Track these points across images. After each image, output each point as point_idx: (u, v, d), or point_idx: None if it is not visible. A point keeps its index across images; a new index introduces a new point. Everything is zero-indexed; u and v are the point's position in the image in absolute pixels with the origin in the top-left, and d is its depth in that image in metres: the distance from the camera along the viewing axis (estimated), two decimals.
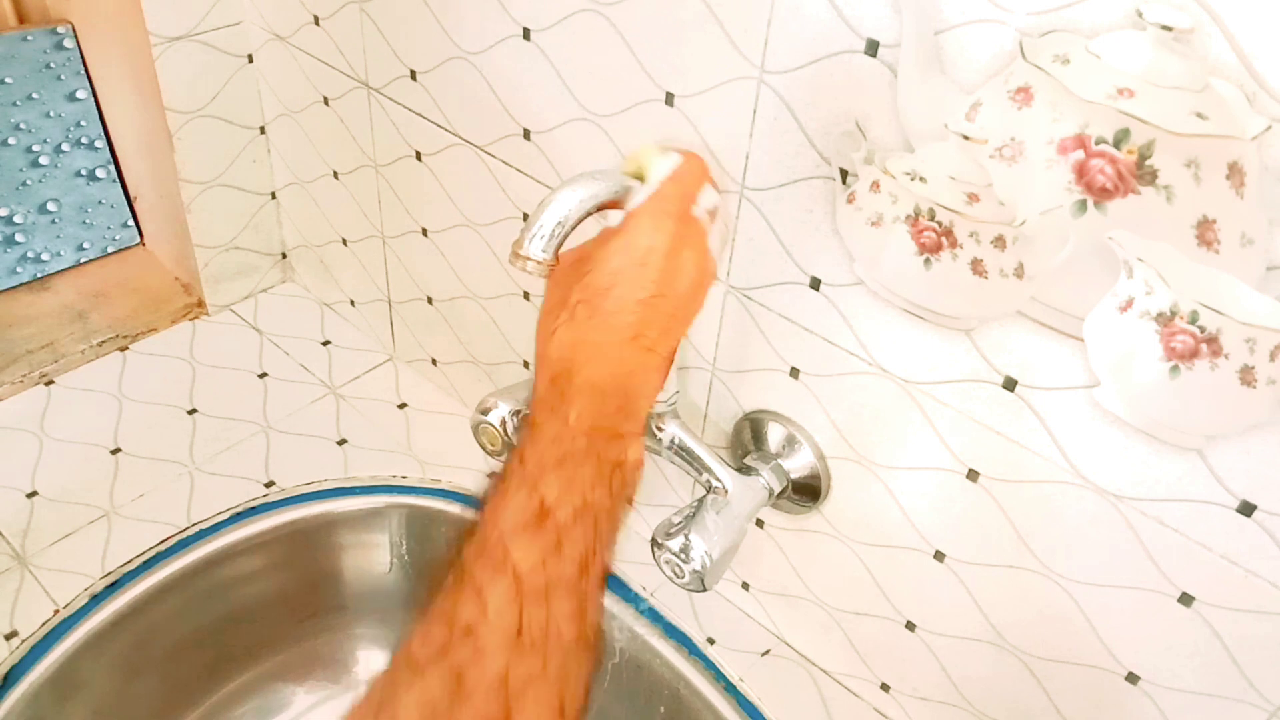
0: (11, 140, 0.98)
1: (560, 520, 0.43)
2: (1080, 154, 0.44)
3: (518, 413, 0.66)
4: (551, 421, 0.47)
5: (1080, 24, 0.43)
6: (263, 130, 0.99)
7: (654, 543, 0.63)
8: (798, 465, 0.67)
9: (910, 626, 0.67)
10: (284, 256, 1.08)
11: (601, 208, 0.52)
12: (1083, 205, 0.45)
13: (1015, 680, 0.63)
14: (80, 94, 1.01)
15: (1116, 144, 0.43)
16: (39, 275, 1.03)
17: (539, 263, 0.50)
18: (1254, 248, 0.42)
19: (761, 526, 0.73)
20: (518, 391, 0.67)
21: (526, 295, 0.81)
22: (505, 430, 0.65)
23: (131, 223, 1.08)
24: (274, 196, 1.04)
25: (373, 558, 0.88)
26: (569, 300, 0.49)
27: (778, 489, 0.67)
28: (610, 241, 0.50)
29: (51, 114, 1.00)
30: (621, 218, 0.51)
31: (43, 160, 1.01)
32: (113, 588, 0.77)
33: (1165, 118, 0.41)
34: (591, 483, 0.45)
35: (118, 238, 1.08)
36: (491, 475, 0.46)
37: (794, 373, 0.64)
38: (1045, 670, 0.61)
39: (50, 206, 1.02)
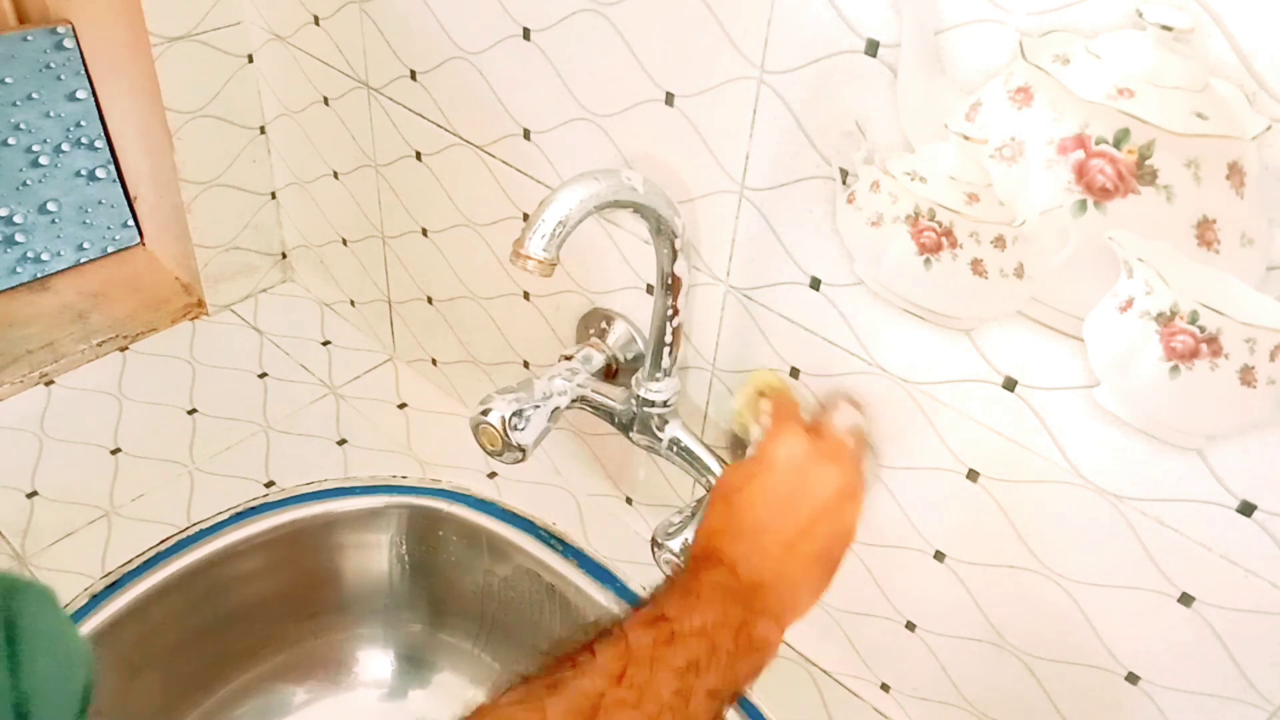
0: (11, 140, 0.98)
1: (677, 627, 0.47)
2: (1080, 154, 0.44)
3: (518, 413, 0.66)
4: (686, 574, 0.52)
5: (1080, 24, 0.43)
6: (263, 130, 0.99)
7: (654, 543, 0.63)
8: None
9: (910, 626, 0.67)
10: (284, 256, 1.08)
11: (604, 207, 0.52)
12: (1083, 205, 0.45)
13: (1015, 680, 0.63)
14: (80, 94, 1.01)
15: (1116, 144, 0.43)
16: (39, 275, 1.03)
17: (540, 261, 0.50)
18: (1254, 248, 0.42)
19: None
20: (518, 391, 0.67)
21: (526, 295, 0.81)
22: (505, 430, 0.65)
23: (131, 223, 1.08)
24: (274, 196, 1.04)
25: (373, 558, 0.88)
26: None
27: None
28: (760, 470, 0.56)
29: (51, 114, 1.00)
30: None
31: (43, 160, 1.01)
32: (113, 588, 0.77)
33: (1165, 118, 0.41)
34: (715, 622, 0.48)
35: (118, 238, 1.08)
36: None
37: (794, 373, 0.64)
38: (1045, 670, 0.61)
39: (50, 206, 1.02)
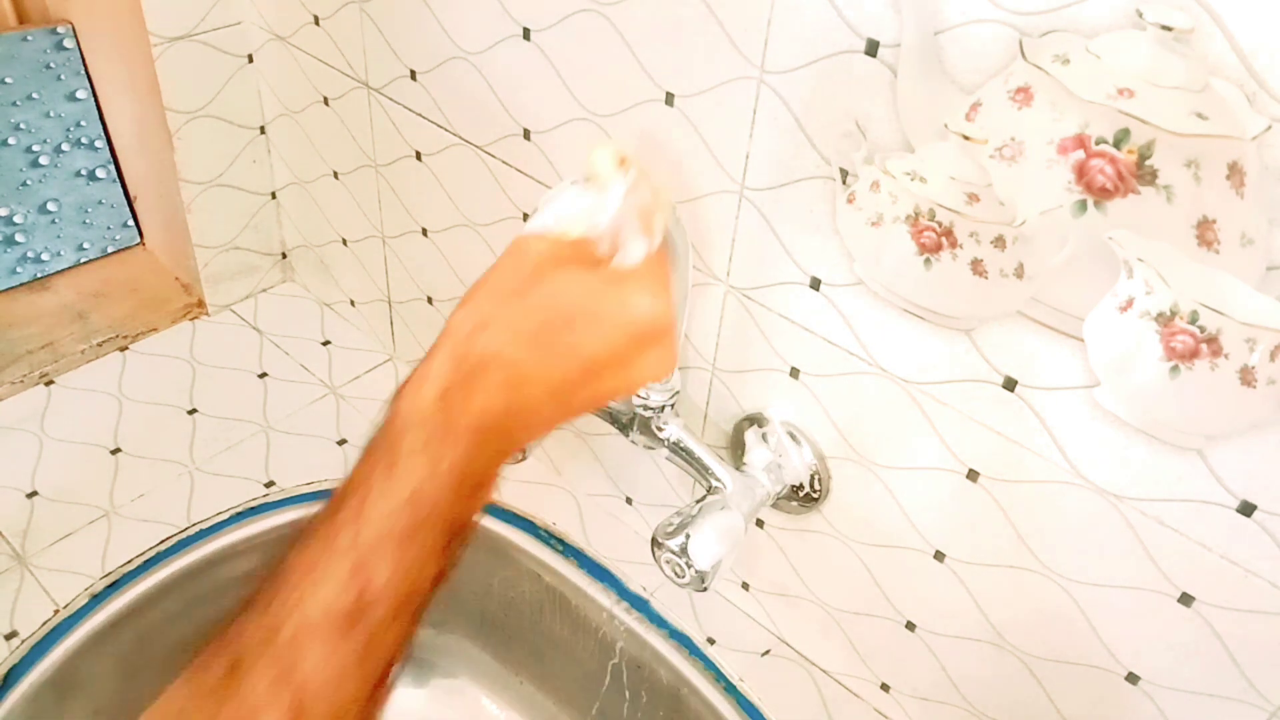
0: (11, 140, 0.98)
1: (378, 617, 0.34)
2: (1080, 154, 0.44)
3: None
4: (418, 462, 0.36)
5: (1080, 24, 0.43)
6: (263, 130, 0.99)
7: (654, 543, 0.63)
8: (798, 465, 0.67)
9: (910, 626, 0.67)
10: (284, 256, 1.08)
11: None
12: (1083, 205, 0.45)
13: (1015, 680, 0.63)
14: (80, 94, 1.01)
15: (1116, 144, 0.43)
16: (39, 275, 1.03)
17: None
18: (1254, 248, 0.42)
19: (761, 526, 0.73)
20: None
21: None
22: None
23: (131, 223, 1.08)
24: (274, 196, 1.04)
25: None
26: (527, 300, 0.41)
27: (778, 489, 0.67)
28: (607, 273, 0.42)
29: (51, 114, 1.00)
30: (624, 245, 0.43)
31: (43, 160, 1.01)
32: (113, 588, 0.77)
33: (1165, 118, 0.41)
34: (430, 558, 0.36)
35: (118, 238, 1.08)
36: (314, 523, 0.36)
37: (794, 373, 0.64)
38: (1045, 670, 0.61)
39: (50, 206, 1.02)
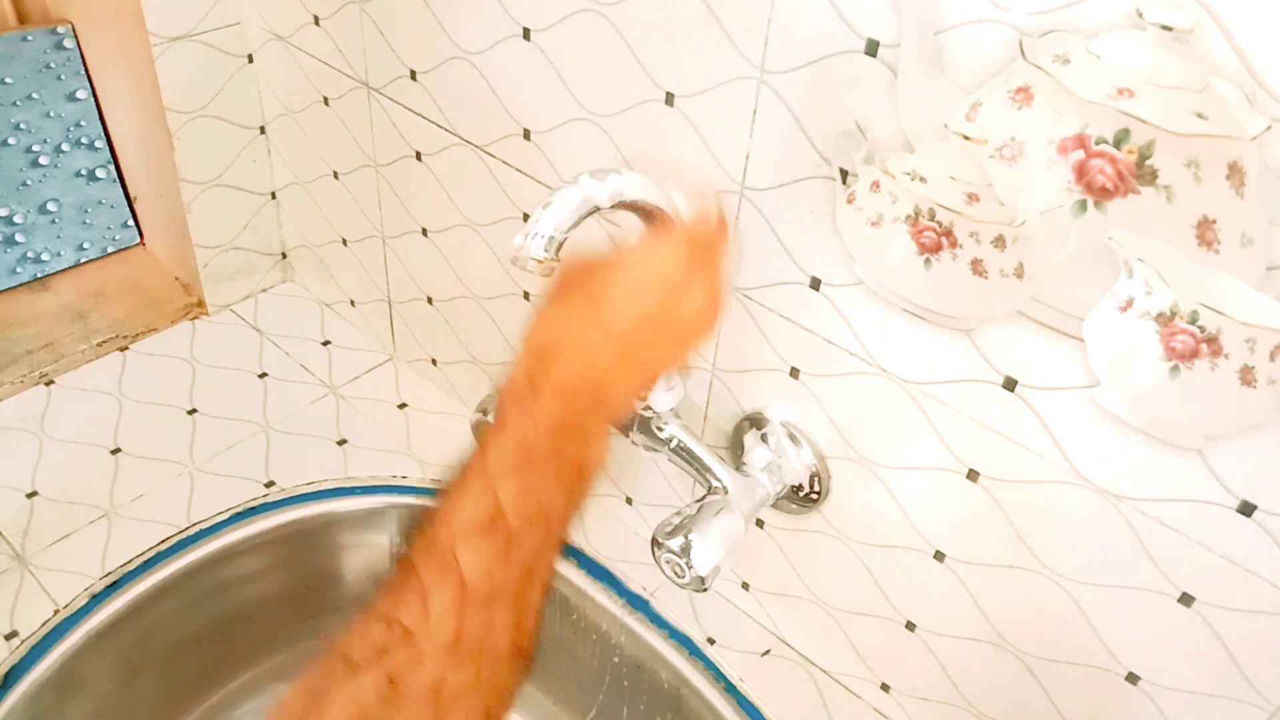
0: (11, 140, 0.98)
1: (513, 524, 0.43)
2: (1080, 154, 0.44)
3: None
4: (519, 418, 0.46)
5: (1080, 24, 0.43)
6: (263, 130, 0.99)
7: (654, 543, 0.63)
8: (798, 465, 0.67)
9: (910, 626, 0.67)
10: (284, 256, 1.08)
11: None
12: (1083, 205, 0.45)
13: (1015, 680, 0.63)
14: (80, 94, 1.01)
15: (1116, 144, 0.43)
16: (39, 275, 1.03)
17: (540, 262, 0.50)
18: (1254, 248, 0.42)
19: (761, 526, 0.73)
20: None
21: (526, 295, 0.81)
22: None
23: (131, 223, 1.08)
24: (274, 196, 1.04)
25: (373, 558, 0.88)
26: (578, 298, 0.49)
27: (778, 489, 0.67)
28: (628, 255, 0.50)
29: (51, 114, 1.00)
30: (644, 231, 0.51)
31: (43, 160, 1.01)
32: (113, 588, 0.77)
33: (1165, 118, 0.41)
34: (550, 485, 0.45)
35: (118, 238, 1.08)
36: (455, 468, 0.46)
37: (794, 373, 0.64)
38: (1045, 670, 0.61)
39: (50, 206, 1.02)
